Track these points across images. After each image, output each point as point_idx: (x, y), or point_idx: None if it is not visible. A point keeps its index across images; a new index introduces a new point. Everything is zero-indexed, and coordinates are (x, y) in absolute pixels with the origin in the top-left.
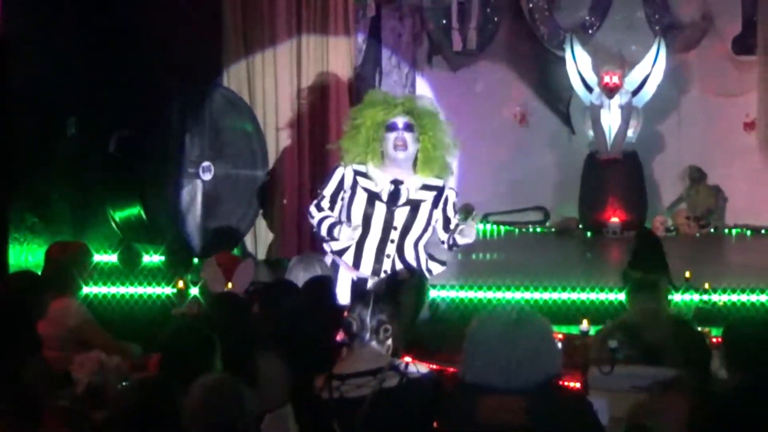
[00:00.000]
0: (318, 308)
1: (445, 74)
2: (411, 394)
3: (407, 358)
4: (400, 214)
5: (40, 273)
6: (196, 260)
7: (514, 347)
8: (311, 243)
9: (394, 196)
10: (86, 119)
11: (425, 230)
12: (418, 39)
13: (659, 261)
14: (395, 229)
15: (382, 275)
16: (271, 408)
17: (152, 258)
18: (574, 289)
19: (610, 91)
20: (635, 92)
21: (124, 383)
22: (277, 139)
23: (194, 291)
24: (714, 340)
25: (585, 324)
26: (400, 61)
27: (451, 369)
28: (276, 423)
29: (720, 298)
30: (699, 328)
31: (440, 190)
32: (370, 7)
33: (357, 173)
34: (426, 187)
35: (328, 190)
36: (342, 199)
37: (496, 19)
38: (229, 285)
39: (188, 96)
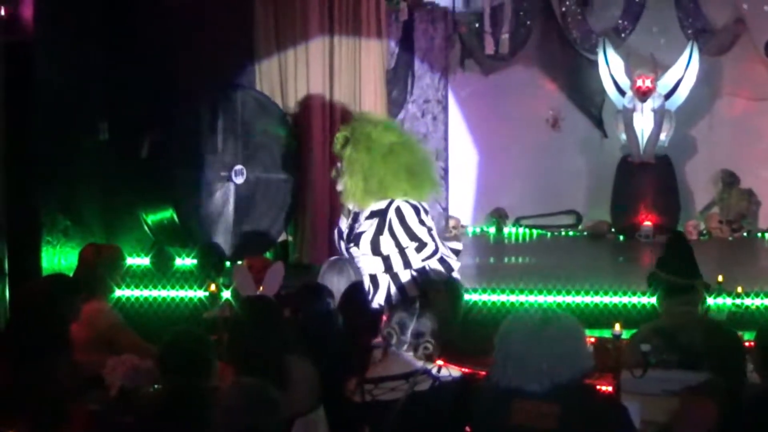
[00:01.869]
0: (350, 312)
1: (477, 78)
2: (443, 398)
3: (439, 362)
4: (354, 251)
5: (72, 275)
6: (228, 264)
7: (542, 349)
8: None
9: (349, 233)
10: (117, 122)
11: (386, 258)
12: (450, 42)
13: (693, 264)
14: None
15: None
16: (302, 411)
17: (184, 261)
18: (606, 293)
19: (643, 95)
20: (668, 96)
21: (155, 387)
22: (310, 142)
23: (226, 294)
24: (746, 344)
25: (617, 328)
26: (433, 64)
27: (483, 372)
28: (307, 426)
29: (752, 302)
30: None
31: (382, 214)
32: (402, 11)
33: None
34: (370, 215)
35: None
36: None
37: (528, 22)
38: (261, 288)
39: (220, 99)
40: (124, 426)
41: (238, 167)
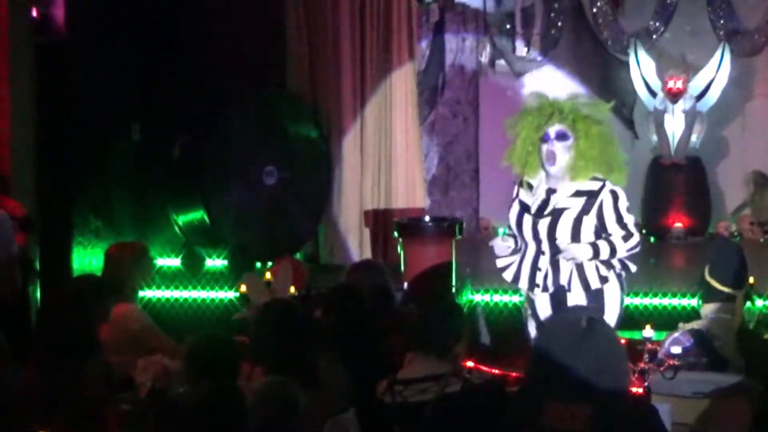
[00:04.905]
0: (380, 313)
1: (508, 79)
2: (473, 400)
3: (469, 363)
4: (543, 225)
5: (100, 276)
6: (258, 264)
7: (582, 356)
8: (372, 249)
9: (542, 206)
10: (149, 124)
11: (577, 239)
12: (481, 44)
13: (740, 272)
14: (542, 241)
15: (537, 290)
16: (332, 412)
17: (215, 262)
18: (637, 295)
19: (674, 96)
20: (699, 97)
21: (185, 387)
22: (341, 144)
23: None
24: None
25: (648, 329)
26: (464, 65)
27: (513, 374)
28: (338, 427)
29: None
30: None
31: (593, 194)
32: (433, 12)
33: (521, 183)
34: (577, 194)
35: (509, 205)
36: None
37: (559, 23)
38: (291, 289)
39: (251, 100)
40: (156, 426)
41: (269, 168)
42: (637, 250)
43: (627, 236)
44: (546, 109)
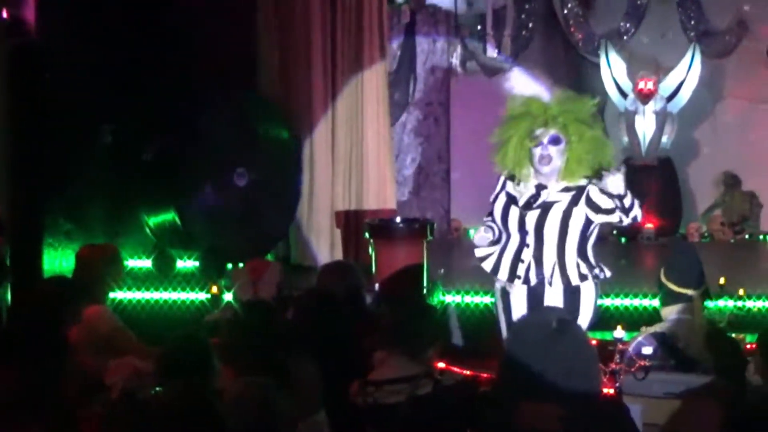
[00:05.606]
0: (352, 315)
1: (479, 80)
2: (445, 401)
3: (441, 365)
4: (531, 218)
5: (71, 277)
6: (229, 266)
7: (552, 356)
8: (344, 250)
9: (531, 200)
10: (121, 126)
11: (564, 232)
12: (452, 45)
13: (695, 272)
14: (527, 233)
15: (517, 282)
16: (304, 414)
17: (186, 263)
18: (608, 296)
19: (645, 97)
20: (670, 98)
21: (157, 389)
22: (312, 145)
23: (228, 296)
24: (749, 346)
25: (619, 330)
26: (435, 66)
27: (485, 375)
28: (310, 429)
29: (755, 305)
30: (733, 335)
31: (582, 188)
32: (404, 13)
33: (508, 177)
34: (566, 189)
35: (492, 196)
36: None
37: (530, 25)
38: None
39: (223, 103)
40: (129, 427)
41: (240, 169)
42: (639, 209)
43: (622, 197)
44: (536, 114)
